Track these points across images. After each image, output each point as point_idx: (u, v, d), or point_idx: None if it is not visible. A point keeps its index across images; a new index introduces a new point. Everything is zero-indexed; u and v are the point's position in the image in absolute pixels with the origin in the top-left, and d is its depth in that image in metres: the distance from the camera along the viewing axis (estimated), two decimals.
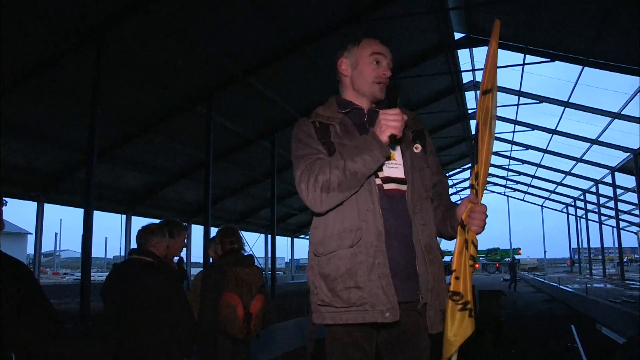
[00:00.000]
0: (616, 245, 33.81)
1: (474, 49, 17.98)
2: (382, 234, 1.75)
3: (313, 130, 1.89)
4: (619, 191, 29.40)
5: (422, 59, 17.65)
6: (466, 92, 23.17)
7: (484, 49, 17.83)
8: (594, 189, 33.17)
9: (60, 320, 2.10)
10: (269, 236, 25.20)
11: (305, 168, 1.78)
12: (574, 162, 28.00)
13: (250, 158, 20.97)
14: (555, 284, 21.37)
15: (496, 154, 32.26)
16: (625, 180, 27.53)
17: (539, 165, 31.44)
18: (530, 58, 17.25)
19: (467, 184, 42.30)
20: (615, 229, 32.53)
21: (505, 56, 17.59)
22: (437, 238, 1.94)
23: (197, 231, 23.02)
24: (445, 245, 2.73)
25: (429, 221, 1.87)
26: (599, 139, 22.71)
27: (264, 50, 14.10)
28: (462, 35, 17.43)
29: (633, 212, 34.85)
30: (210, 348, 3.70)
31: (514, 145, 28.64)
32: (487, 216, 1.79)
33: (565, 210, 45.17)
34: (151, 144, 16.94)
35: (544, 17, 14.46)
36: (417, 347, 1.86)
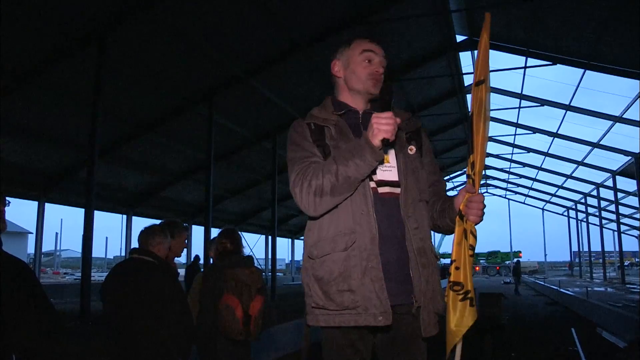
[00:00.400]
0: (617, 249, 33.76)
1: (475, 51, 17.92)
2: (376, 238, 1.75)
3: (308, 132, 1.89)
4: (620, 195, 29.37)
5: (423, 61, 17.66)
6: (468, 95, 23.15)
7: None
8: (595, 193, 33.13)
9: (61, 321, 2.09)
10: (270, 237, 25.21)
11: (299, 172, 1.78)
12: (575, 165, 27.99)
13: (251, 159, 20.98)
14: (555, 287, 21.34)
15: (497, 156, 32.25)
16: (626, 183, 27.53)
17: (540, 169, 31.42)
18: (532, 61, 17.27)
19: None
20: (616, 233, 32.50)
21: (507, 59, 17.66)
22: (432, 240, 1.93)
23: (197, 232, 23.04)
24: (445, 247, 2.73)
25: (422, 224, 1.86)
26: (600, 143, 22.71)
27: (266, 51, 14.11)
28: (464, 37, 17.44)
29: (634, 215, 34.83)
30: (209, 350, 3.70)
31: (515, 148, 28.64)
32: (484, 205, 1.77)
33: (566, 213, 45.14)
34: (152, 144, 16.95)
35: (546, 20, 14.46)
36: (413, 350, 1.85)
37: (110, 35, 11.08)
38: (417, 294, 1.78)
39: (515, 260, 51.85)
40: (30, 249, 35.22)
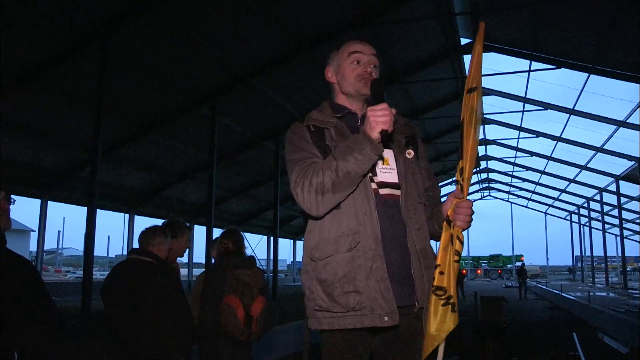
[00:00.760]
0: (619, 254, 33.68)
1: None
2: (379, 238, 1.75)
3: (308, 134, 1.89)
4: (623, 199, 29.29)
5: (428, 64, 17.65)
6: None
7: (490, 54, 17.90)
8: (598, 197, 33.07)
9: (63, 319, 2.09)
10: (272, 238, 25.21)
11: (300, 172, 1.77)
12: (579, 169, 27.93)
13: (254, 160, 20.99)
14: (557, 292, 21.28)
15: (500, 160, 32.21)
16: (630, 188, 27.49)
17: (543, 172, 31.38)
18: (536, 65, 17.24)
19: (473, 188, 42.31)
20: (618, 238, 32.40)
21: (511, 62, 17.62)
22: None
23: (200, 232, 23.05)
24: None
25: (423, 226, 1.88)
26: (604, 147, 22.66)
27: (269, 52, 14.12)
28: (468, 40, 17.42)
29: (637, 220, 34.71)
30: (211, 350, 3.70)
31: (518, 152, 28.60)
32: (473, 212, 1.78)
33: (568, 217, 45.04)
34: (155, 144, 16.98)
35: (551, 24, 14.45)
36: (413, 351, 1.85)
37: (113, 35, 11.11)
38: (419, 295, 1.78)
39: (520, 263, 51.93)
40: (33, 246, 35.25)
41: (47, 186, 16.74)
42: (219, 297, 3.57)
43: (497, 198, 47.37)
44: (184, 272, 25.20)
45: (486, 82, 20.93)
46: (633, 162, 23.42)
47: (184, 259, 22.82)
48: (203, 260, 13.84)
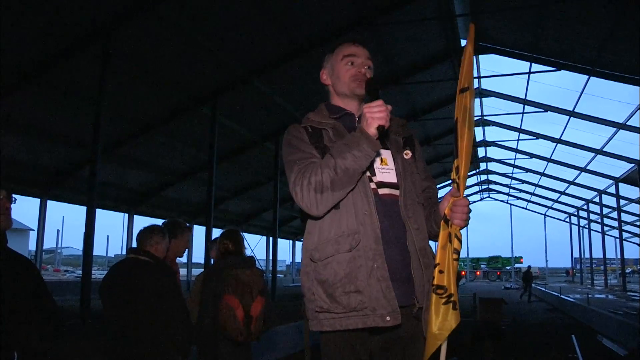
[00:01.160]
0: (618, 256, 33.67)
1: (480, 56, 17.97)
2: (379, 238, 1.75)
3: (305, 134, 1.89)
4: (622, 202, 29.30)
5: (428, 65, 17.67)
6: None
7: (490, 56, 17.93)
8: (597, 199, 33.08)
9: (63, 319, 2.09)
10: (271, 238, 25.21)
11: (298, 172, 1.77)
12: (578, 171, 27.94)
13: (254, 160, 20.99)
14: (556, 294, 21.28)
15: (500, 161, 32.21)
16: (629, 191, 27.46)
17: (542, 174, 31.38)
18: (536, 67, 17.25)
19: (473, 189, 42.33)
20: (617, 240, 32.41)
21: (511, 64, 17.62)
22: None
23: (199, 232, 23.05)
24: None
25: (421, 225, 1.88)
26: (604, 149, 22.66)
27: (270, 52, 14.13)
28: None
29: (636, 223, 34.74)
30: (210, 350, 3.69)
31: (518, 154, 28.60)
32: (470, 210, 1.79)
33: (568, 219, 45.06)
34: (155, 143, 16.98)
35: (551, 26, 14.45)
36: (413, 351, 1.85)
37: (114, 35, 11.11)
38: (419, 295, 1.78)
39: (519, 265, 51.90)
40: (32, 246, 35.22)
41: (46, 185, 16.73)
42: (219, 297, 3.56)
43: (496, 199, 47.39)
44: (183, 272, 25.19)
45: (486, 84, 20.96)
46: (632, 165, 23.44)
47: (184, 259, 22.81)
48: (202, 260, 13.82)
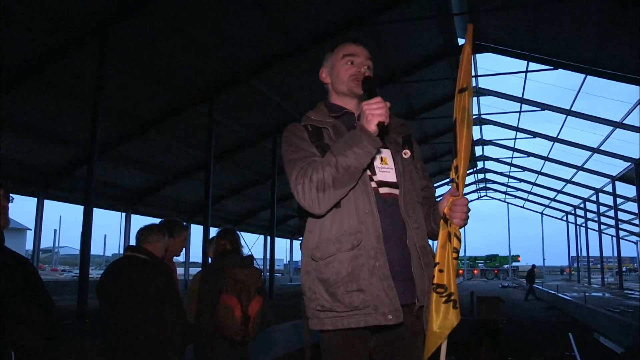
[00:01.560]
0: (615, 255, 33.79)
1: (477, 55, 17.99)
2: (381, 236, 1.76)
3: (305, 133, 1.90)
4: (619, 200, 29.38)
5: (425, 64, 17.68)
6: None
7: (488, 55, 17.93)
8: (594, 198, 33.16)
9: (60, 318, 2.09)
10: (268, 238, 25.20)
11: (299, 171, 1.77)
12: (575, 170, 28.00)
13: (251, 159, 20.98)
14: (553, 292, 21.32)
15: (497, 160, 32.25)
16: (626, 189, 27.52)
17: (539, 173, 31.43)
18: (533, 65, 17.26)
19: (470, 188, 42.36)
20: (614, 238, 32.51)
21: (508, 63, 17.62)
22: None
23: (196, 231, 23.03)
24: None
25: (421, 224, 1.89)
26: (600, 148, 22.72)
27: (267, 51, 14.12)
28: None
29: (633, 221, 34.83)
30: (207, 350, 3.69)
31: (515, 152, 28.65)
32: (469, 209, 1.80)
33: (565, 218, 45.16)
34: (153, 142, 16.95)
35: (548, 25, 14.47)
36: (413, 350, 1.85)
37: (111, 33, 11.08)
38: (420, 294, 1.79)
39: (517, 263, 52.00)
40: (29, 245, 35.17)
41: (43, 184, 16.68)
42: (216, 296, 3.56)
43: (493, 198, 47.50)
44: (180, 271, 25.15)
45: (483, 83, 20.97)
46: (629, 163, 23.49)
47: (181, 258, 22.80)
48: (200, 260, 13.80)
